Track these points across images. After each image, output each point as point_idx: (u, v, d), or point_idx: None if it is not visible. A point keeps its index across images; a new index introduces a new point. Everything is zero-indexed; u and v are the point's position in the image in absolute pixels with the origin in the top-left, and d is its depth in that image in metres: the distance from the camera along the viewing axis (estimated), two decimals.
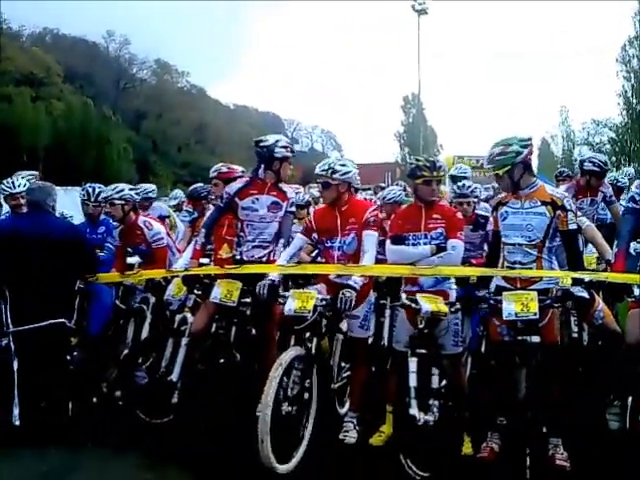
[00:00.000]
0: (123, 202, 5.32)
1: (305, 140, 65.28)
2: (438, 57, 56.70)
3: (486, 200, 7.38)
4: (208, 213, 5.20)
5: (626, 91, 33.26)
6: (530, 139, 3.87)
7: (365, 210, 4.42)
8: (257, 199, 4.65)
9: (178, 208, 9.15)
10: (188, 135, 44.71)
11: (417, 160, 4.25)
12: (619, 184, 6.92)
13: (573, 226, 3.80)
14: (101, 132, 36.17)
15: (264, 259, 4.63)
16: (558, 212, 3.77)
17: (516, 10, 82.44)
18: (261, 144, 4.61)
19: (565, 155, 49.97)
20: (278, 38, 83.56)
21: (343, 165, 4.50)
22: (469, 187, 5.38)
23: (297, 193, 7.77)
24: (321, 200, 5.48)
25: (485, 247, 5.19)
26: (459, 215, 4.33)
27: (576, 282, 3.68)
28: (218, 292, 4.46)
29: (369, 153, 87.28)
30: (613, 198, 6.03)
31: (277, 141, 4.59)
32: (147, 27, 55.81)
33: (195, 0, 59.85)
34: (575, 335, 4.60)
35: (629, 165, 32.70)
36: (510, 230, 3.89)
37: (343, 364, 4.74)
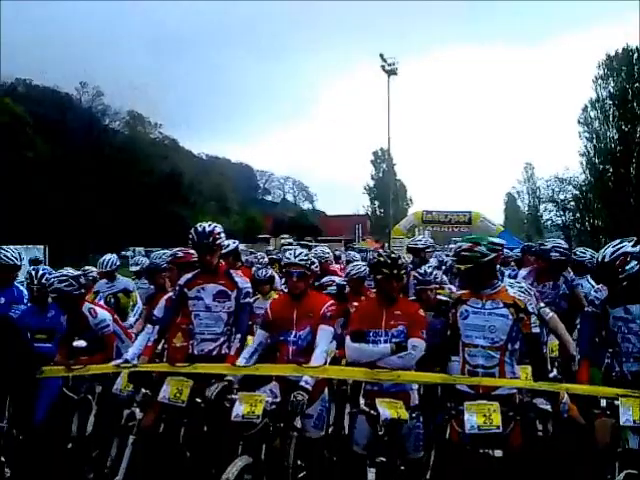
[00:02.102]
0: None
1: (277, 191, 65.68)
2: (408, 113, 58.28)
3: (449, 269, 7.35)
4: (162, 301, 4.96)
5: (588, 151, 34.47)
6: (501, 245, 3.80)
7: (323, 304, 4.31)
8: (203, 288, 4.47)
9: (138, 275, 8.86)
10: (160, 186, 44.44)
11: (379, 256, 4.15)
12: (579, 259, 6.89)
13: (536, 330, 3.72)
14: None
15: (214, 353, 4.41)
16: (521, 315, 3.66)
17: (484, 70, 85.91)
18: (198, 232, 4.45)
19: (531, 210, 51.31)
20: (253, 90, 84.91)
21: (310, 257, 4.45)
22: (430, 274, 5.28)
23: (260, 265, 7.59)
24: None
25: None
26: (421, 312, 4.20)
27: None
28: (167, 391, 4.19)
29: (340, 205, 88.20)
30: (575, 281, 5.99)
31: (213, 227, 4.46)
32: (121, 79, 56.00)
33: (167, 53, 60.81)
34: (540, 434, 4.43)
35: (592, 221, 33.61)
36: (471, 330, 3.75)
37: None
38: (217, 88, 76.93)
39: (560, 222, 38.89)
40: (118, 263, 7.71)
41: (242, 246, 10.24)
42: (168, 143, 52.30)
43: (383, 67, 35.67)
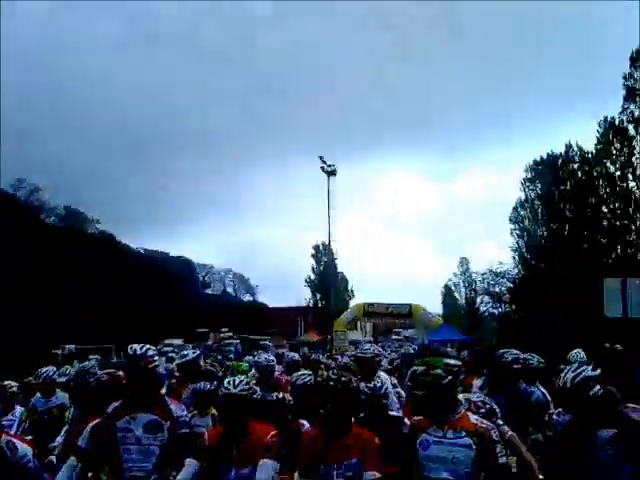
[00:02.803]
0: None
1: (217, 284, 64.63)
2: (348, 208, 59.89)
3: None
4: (86, 429, 4.41)
5: (520, 247, 36.06)
6: (458, 367, 3.61)
7: (265, 435, 3.91)
8: (133, 418, 4.01)
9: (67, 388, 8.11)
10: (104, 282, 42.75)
11: (327, 379, 3.83)
12: (528, 365, 6.80)
13: (503, 459, 3.45)
14: None
15: None
16: (485, 445, 3.41)
17: (419, 170, 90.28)
18: (129, 357, 4.06)
19: (468, 301, 52.51)
20: (188, 183, 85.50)
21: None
22: (380, 387, 4.98)
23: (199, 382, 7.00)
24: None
25: None
26: (376, 441, 3.83)
27: None
28: None
29: (281, 298, 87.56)
30: (528, 389, 5.85)
31: (146, 351, 4.08)
32: (58, 175, 55.31)
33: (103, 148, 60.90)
34: None
35: (527, 313, 34.49)
36: (433, 463, 3.44)
37: None
38: (150, 184, 77.03)
39: (496, 313, 39.80)
40: (54, 375, 7.00)
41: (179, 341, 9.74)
42: (105, 238, 51.19)
43: (323, 168, 36.82)
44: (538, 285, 28.82)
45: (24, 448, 4.38)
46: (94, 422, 4.42)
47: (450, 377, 3.50)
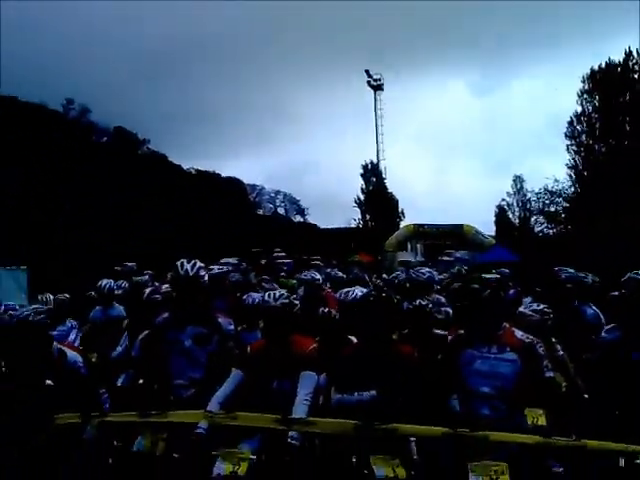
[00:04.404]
0: None
1: (268, 205, 65.21)
2: (398, 127, 57.93)
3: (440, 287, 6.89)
4: (137, 340, 4.57)
5: (577, 164, 34.35)
6: (497, 280, 3.50)
7: (306, 347, 3.97)
8: (182, 330, 4.10)
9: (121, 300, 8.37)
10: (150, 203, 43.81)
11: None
12: (585, 284, 6.57)
13: (549, 374, 3.36)
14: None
15: (192, 400, 3.99)
16: (531, 360, 3.33)
17: (471, 84, 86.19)
18: (179, 272, 4.08)
19: (522, 223, 51.26)
20: (237, 105, 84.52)
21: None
22: (426, 305, 4.91)
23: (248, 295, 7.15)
24: None
25: None
26: (414, 357, 3.80)
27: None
28: (142, 443, 3.82)
29: (331, 218, 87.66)
30: (581, 307, 5.69)
31: (197, 267, 4.09)
32: (108, 94, 55.53)
33: (154, 65, 60.43)
34: None
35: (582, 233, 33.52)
36: (477, 377, 3.40)
37: None
38: (200, 105, 76.43)
39: (551, 233, 38.79)
40: (114, 287, 7.28)
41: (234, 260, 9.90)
42: (156, 158, 51.90)
43: (369, 82, 35.65)
44: (595, 203, 27.76)
45: (73, 355, 4.52)
46: (145, 333, 4.58)
47: (489, 291, 3.37)
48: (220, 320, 4.21)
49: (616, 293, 6.16)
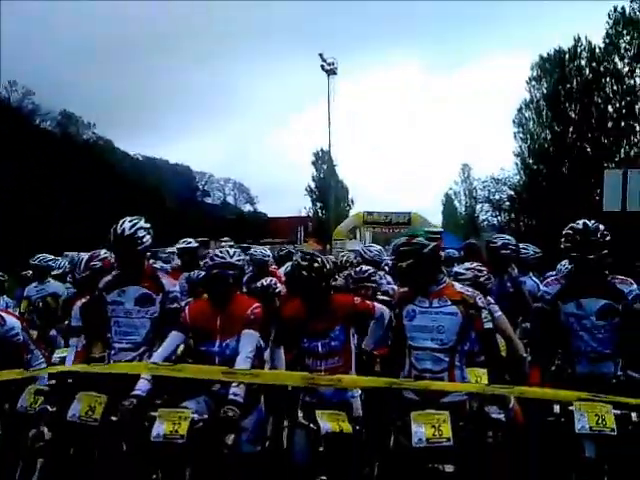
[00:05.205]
0: None
1: (217, 193, 64.39)
2: (348, 114, 58.30)
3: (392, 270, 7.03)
4: (75, 308, 4.42)
5: (523, 152, 35.11)
6: (440, 232, 3.52)
7: (249, 307, 3.90)
8: (123, 291, 3.99)
9: (61, 279, 8.17)
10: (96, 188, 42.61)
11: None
12: (522, 255, 6.75)
13: (489, 325, 3.42)
14: None
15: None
16: (471, 312, 3.38)
17: (422, 74, 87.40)
18: (116, 231, 3.94)
19: (468, 211, 52.40)
20: (191, 88, 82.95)
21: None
22: (366, 271, 4.96)
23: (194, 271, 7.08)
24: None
25: None
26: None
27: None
28: (77, 408, 3.67)
29: (281, 207, 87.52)
30: (520, 278, 5.81)
31: (136, 227, 3.95)
32: (52, 77, 53.51)
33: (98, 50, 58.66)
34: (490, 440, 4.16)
35: (527, 220, 34.50)
36: (418, 332, 3.42)
37: None
38: (150, 89, 74.66)
39: (495, 222, 39.73)
40: (52, 265, 7.14)
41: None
42: (102, 144, 50.37)
43: (322, 67, 35.50)
44: (539, 191, 28.65)
45: (12, 321, 4.43)
46: (83, 300, 4.42)
47: (432, 244, 3.41)
48: (164, 281, 4.09)
49: None
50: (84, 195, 35.24)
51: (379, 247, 7.21)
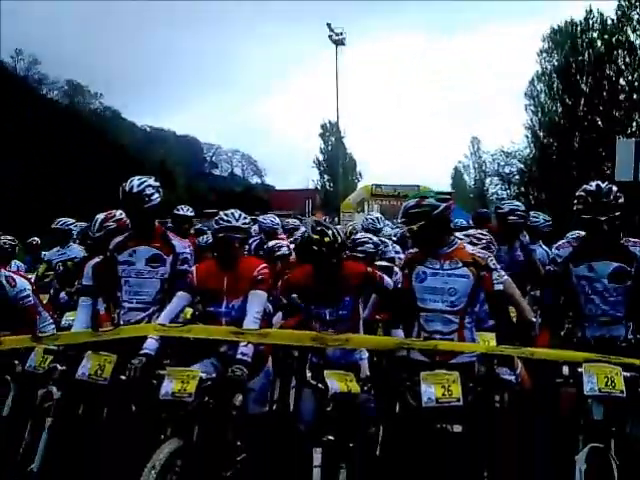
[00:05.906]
0: None
1: (225, 165, 64.18)
2: (356, 86, 57.56)
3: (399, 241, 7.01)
4: (87, 268, 4.41)
5: (534, 125, 34.65)
6: (450, 194, 3.46)
7: (255, 268, 3.89)
8: (134, 251, 3.99)
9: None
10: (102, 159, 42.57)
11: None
12: (532, 224, 6.70)
13: (499, 287, 3.41)
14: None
15: (143, 323, 3.93)
16: (482, 273, 3.35)
17: (430, 43, 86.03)
18: (126, 187, 3.93)
19: (477, 185, 51.97)
20: (197, 59, 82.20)
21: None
22: (357, 239, 4.88)
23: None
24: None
25: None
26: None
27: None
28: (87, 367, 3.70)
29: (289, 179, 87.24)
30: (530, 246, 5.77)
31: (145, 184, 3.94)
32: (58, 46, 53.06)
33: (106, 19, 57.99)
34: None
35: (537, 194, 34.22)
36: (429, 294, 3.40)
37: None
38: (158, 59, 74.02)
39: (505, 195, 39.42)
40: (74, 229, 7.03)
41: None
42: (109, 114, 50.15)
43: (330, 37, 35.01)
44: (549, 164, 28.35)
45: (23, 282, 4.53)
46: (95, 260, 4.42)
47: (443, 205, 3.36)
48: (175, 242, 4.08)
49: None
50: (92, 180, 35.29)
51: (377, 215, 7.23)
